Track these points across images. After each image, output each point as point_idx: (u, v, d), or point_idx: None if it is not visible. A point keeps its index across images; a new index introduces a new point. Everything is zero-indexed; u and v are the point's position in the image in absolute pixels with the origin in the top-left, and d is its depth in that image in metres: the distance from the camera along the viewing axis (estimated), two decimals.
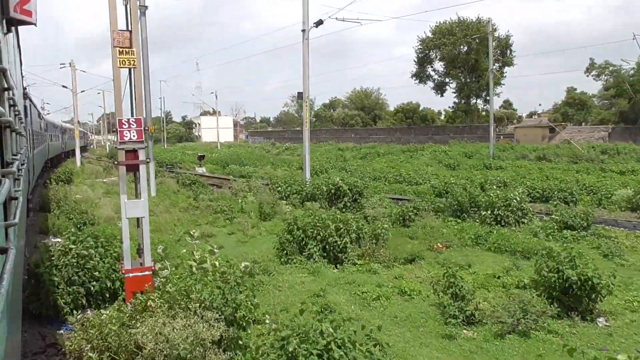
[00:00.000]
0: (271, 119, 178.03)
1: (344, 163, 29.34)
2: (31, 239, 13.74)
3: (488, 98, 63.37)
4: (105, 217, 15.42)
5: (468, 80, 59.38)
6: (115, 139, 7.86)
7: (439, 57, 63.33)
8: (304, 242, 9.68)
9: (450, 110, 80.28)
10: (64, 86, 38.34)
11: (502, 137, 57.15)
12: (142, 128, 6.78)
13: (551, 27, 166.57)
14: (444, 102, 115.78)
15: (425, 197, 17.36)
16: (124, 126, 6.69)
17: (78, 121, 39.20)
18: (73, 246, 7.73)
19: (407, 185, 21.06)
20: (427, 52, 63.29)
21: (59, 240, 14.46)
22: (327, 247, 9.57)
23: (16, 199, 3.44)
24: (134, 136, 6.70)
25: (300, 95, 17.32)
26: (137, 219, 7.04)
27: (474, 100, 62.25)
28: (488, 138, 56.30)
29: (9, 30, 3.91)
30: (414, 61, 64.96)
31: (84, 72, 43.63)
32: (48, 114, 46.54)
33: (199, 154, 36.91)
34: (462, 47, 57.69)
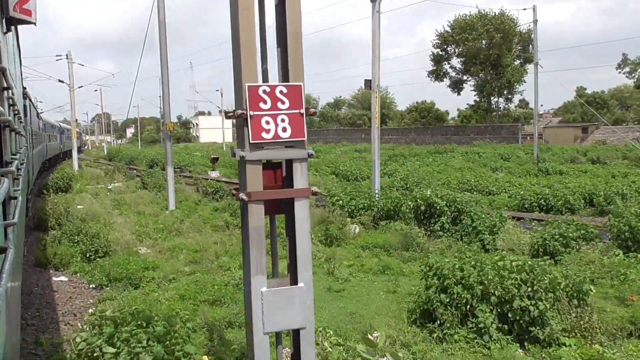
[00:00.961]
0: None
1: (383, 167, 25.75)
2: (26, 276, 10.01)
3: (509, 96, 60.29)
4: (124, 243, 11.69)
5: (489, 77, 55.96)
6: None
7: (456, 53, 59.97)
8: (468, 306, 6.04)
9: (465, 109, 77.10)
10: (60, 80, 34.50)
11: (528, 137, 53.78)
12: (301, 109, 3.09)
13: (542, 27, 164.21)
14: (456, 102, 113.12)
15: (507, 209, 13.72)
16: (260, 99, 3.01)
17: (76, 120, 35.30)
18: (108, 351, 3.98)
19: (479, 195, 17.46)
20: (444, 47, 59.88)
21: (63, 279, 10.79)
22: (509, 314, 5.95)
23: (15, 198, 3.49)
24: (284, 130, 3.05)
25: (368, 84, 13.64)
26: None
27: (495, 99, 58.90)
28: (513, 139, 53.12)
29: (8, 30, 3.90)
30: (430, 57, 61.58)
31: (82, 65, 39.40)
32: (41, 112, 42.95)
33: (212, 156, 33.12)
34: (483, 42, 54.28)
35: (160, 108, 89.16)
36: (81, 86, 37.81)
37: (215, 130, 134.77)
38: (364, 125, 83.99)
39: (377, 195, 13.71)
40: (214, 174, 32.16)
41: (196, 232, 13.97)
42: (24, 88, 13.84)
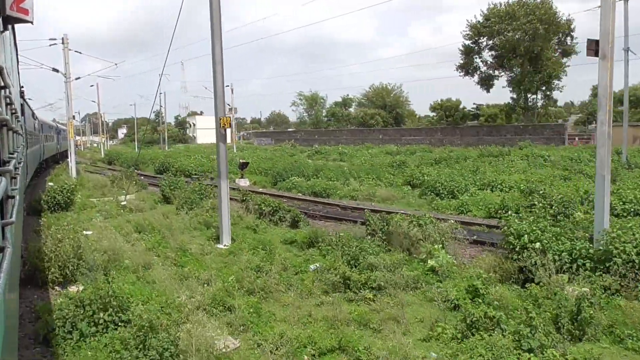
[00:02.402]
0: (262, 119, 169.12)
1: (464, 178, 20.09)
2: None
3: (548, 93, 55.16)
4: (203, 344, 6.10)
5: (527, 71, 50.77)
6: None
7: (489, 45, 54.79)
8: None
9: (487, 106, 71.94)
10: (54, 69, 28.67)
11: (576, 138, 48.75)
12: None
13: None
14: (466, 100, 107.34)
15: None
16: None
17: (73, 116, 29.48)
18: None
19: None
20: (476, 39, 54.68)
21: None
22: None
23: (13, 197, 3.52)
24: None
25: (593, 46, 8.21)
26: None
27: (532, 96, 53.74)
28: (558, 140, 47.99)
29: (5, 29, 3.90)
30: (460, 50, 56.34)
31: (79, 52, 33.38)
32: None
33: (241, 161, 27.42)
34: (523, 33, 49.06)
35: (162, 106, 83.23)
36: (78, 77, 32.03)
37: (212, 131, 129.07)
38: (376, 125, 78.58)
39: (604, 238, 8.23)
40: (243, 182, 26.58)
41: (298, 295, 8.45)
42: (21, 87, 13.04)
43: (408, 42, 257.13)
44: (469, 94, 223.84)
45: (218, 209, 12.83)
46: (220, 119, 12.28)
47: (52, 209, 17.31)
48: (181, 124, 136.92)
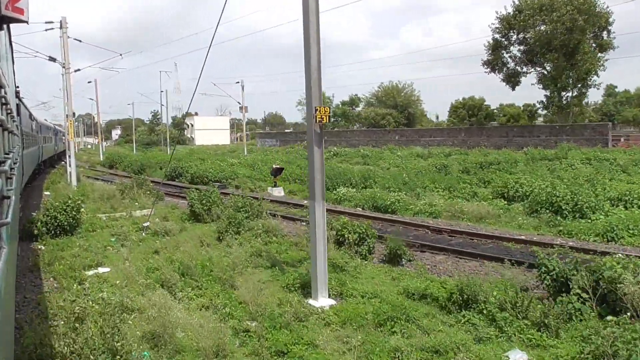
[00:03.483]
0: (258, 120, 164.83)
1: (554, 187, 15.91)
2: None
3: (584, 91, 51.30)
4: None
5: (562, 67, 46.88)
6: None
7: (518, 40, 50.91)
8: None
9: (506, 105, 68.26)
10: (51, 58, 24.30)
11: (622, 139, 44.96)
12: None
13: None
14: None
15: None
16: None
17: (73, 113, 25.07)
18: None
19: None
20: (506, 33, 50.78)
21: None
22: None
23: (8, 197, 3.48)
24: None
25: None
26: None
27: (567, 93, 49.84)
28: (601, 141, 44.22)
29: (0, 29, 3.80)
30: (486, 45, 52.43)
31: (79, 40, 29.00)
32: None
33: (275, 166, 23.15)
34: (560, 25, 45.15)
35: (164, 104, 78.51)
36: (78, 69, 27.63)
37: (210, 132, 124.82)
38: (388, 125, 74.54)
39: None
40: (277, 192, 22.40)
41: None
42: (17, 87, 12.56)
43: (399, 44, 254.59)
44: (472, 94, 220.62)
45: (311, 248, 8.62)
46: (315, 110, 8.07)
47: (53, 232, 13.08)
48: (179, 124, 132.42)
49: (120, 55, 28.24)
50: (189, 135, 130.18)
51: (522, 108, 63.44)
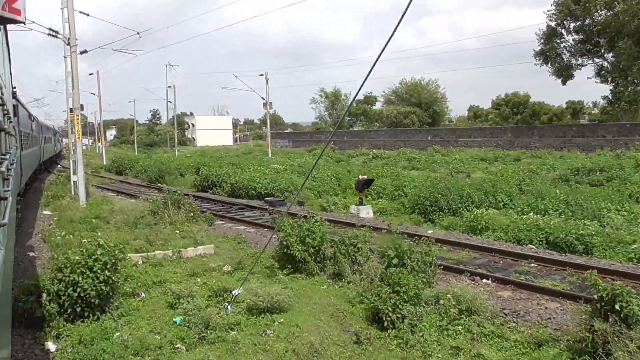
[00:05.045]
0: (255, 121, 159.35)
1: None
2: None
3: None
4: None
5: (635, 56, 41.22)
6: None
7: (577, 27, 45.25)
8: None
9: (547, 104, 62.60)
10: (52, 32, 18.06)
11: None
12: None
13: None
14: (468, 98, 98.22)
15: None
16: None
17: (81, 106, 18.86)
18: None
19: None
20: (562, 21, 45.13)
21: None
22: None
23: (5, 199, 3.44)
24: None
25: None
26: None
27: (632, 87, 44.19)
28: None
29: None
30: (538, 35, 46.77)
31: (86, 14, 22.92)
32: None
33: (362, 177, 17.03)
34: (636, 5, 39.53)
35: (172, 102, 72.30)
36: (85, 51, 21.44)
37: (212, 132, 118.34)
38: (411, 124, 68.66)
39: None
40: (365, 212, 16.38)
41: None
42: (14, 88, 12.51)
43: (393, 45, 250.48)
44: (472, 94, 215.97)
45: None
46: None
47: (71, 311, 7.04)
48: (179, 124, 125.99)
49: (138, 33, 22.10)
50: (189, 136, 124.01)
51: (565, 106, 57.76)
